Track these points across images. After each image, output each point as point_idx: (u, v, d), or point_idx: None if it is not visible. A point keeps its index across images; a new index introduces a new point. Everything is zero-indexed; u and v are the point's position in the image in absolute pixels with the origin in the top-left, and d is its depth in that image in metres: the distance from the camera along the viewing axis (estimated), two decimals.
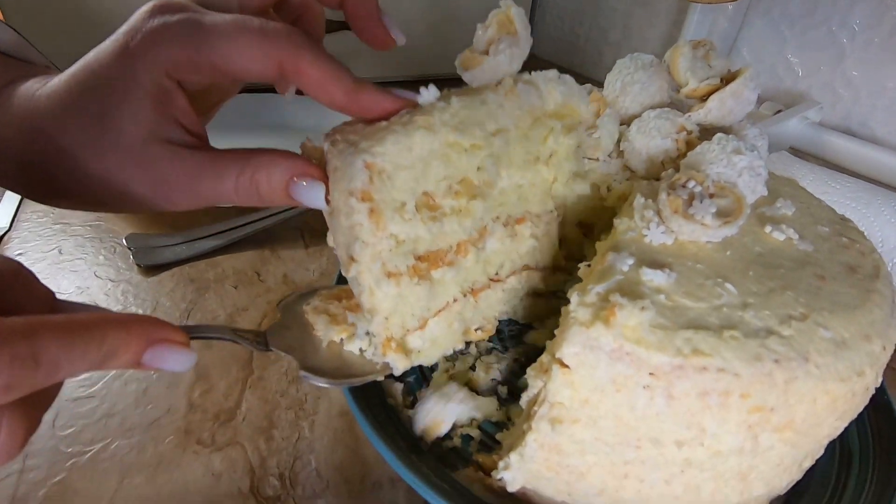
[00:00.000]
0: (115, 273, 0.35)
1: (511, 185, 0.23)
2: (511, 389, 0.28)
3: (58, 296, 0.18)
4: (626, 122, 0.26)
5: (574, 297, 0.18)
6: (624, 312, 0.17)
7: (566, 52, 0.80)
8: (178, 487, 0.23)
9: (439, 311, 0.23)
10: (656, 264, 0.19)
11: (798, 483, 0.23)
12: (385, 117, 0.20)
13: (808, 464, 0.21)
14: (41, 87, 0.19)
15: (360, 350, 0.23)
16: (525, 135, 0.22)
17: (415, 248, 0.21)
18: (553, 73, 0.22)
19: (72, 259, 0.36)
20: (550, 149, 0.23)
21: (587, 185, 0.25)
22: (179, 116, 0.19)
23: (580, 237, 0.29)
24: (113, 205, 0.20)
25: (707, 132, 0.25)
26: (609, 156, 0.26)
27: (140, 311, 0.32)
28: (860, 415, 0.25)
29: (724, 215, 0.20)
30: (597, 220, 0.28)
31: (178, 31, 0.17)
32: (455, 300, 0.23)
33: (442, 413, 0.22)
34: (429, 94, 0.20)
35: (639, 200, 0.21)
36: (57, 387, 0.16)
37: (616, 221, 0.21)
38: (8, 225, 0.39)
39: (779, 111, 0.49)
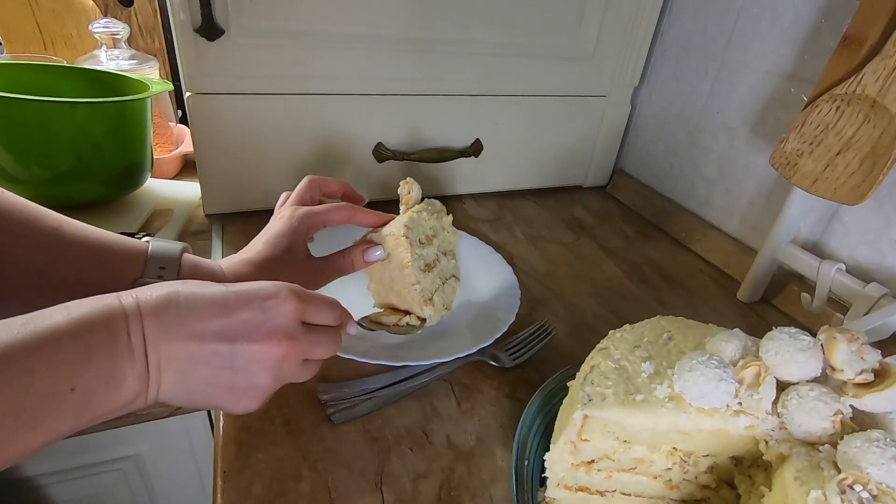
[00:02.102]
0: (309, 426, 0.43)
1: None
2: None
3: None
4: (783, 386, 0.31)
5: None
6: None
7: (656, 175, 0.86)
8: None
9: (435, 291, 0.50)
10: None
11: None
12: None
13: None
14: (235, 255, 0.43)
15: (408, 324, 0.49)
16: None
17: (423, 262, 0.48)
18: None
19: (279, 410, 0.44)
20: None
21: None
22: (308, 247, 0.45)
23: (731, 467, 0.34)
24: None
25: (859, 413, 0.30)
26: (767, 412, 0.31)
27: (340, 472, 0.39)
28: None
29: None
30: (746, 455, 0.33)
31: (308, 211, 0.45)
32: (438, 287, 0.51)
33: None
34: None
35: (812, 495, 0.26)
36: None
37: (753, 490, 0.26)
38: None
39: (885, 293, 0.53)
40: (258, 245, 0.43)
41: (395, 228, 0.46)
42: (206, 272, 0.40)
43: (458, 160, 0.79)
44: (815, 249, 0.63)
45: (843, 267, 0.57)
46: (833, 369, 0.31)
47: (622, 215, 0.87)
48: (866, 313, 0.52)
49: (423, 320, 0.48)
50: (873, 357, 0.30)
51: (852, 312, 0.53)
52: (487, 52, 0.72)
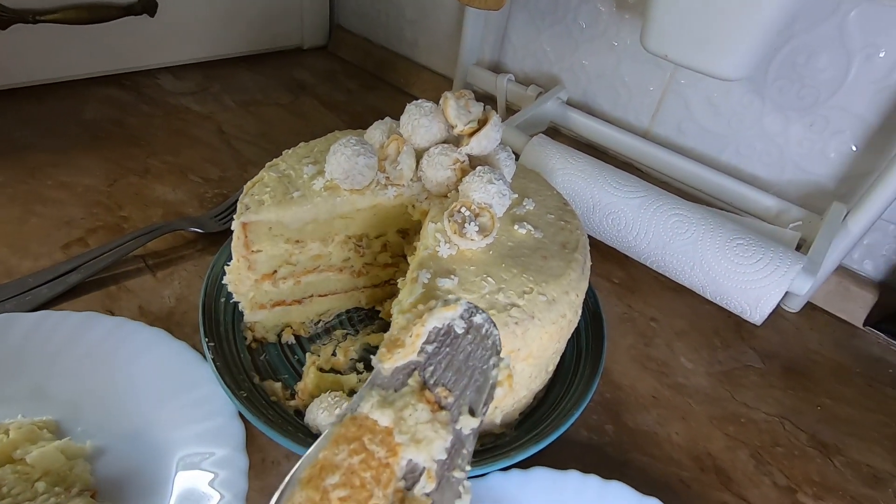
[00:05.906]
0: None
1: None
2: (366, 364, 0.37)
3: None
4: (420, 154, 0.35)
5: (395, 309, 0.27)
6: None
7: (371, 26, 0.84)
8: None
9: None
10: (446, 273, 0.29)
11: (553, 376, 0.37)
12: None
13: (551, 368, 0.35)
14: None
15: None
16: None
17: None
18: None
19: None
20: None
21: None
22: None
23: (400, 241, 0.38)
24: None
25: (475, 159, 0.35)
26: (411, 181, 0.34)
27: None
28: (587, 324, 0.40)
29: (483, 230, 0.30)
30: (409, 227, 0.37)
31: None
32: None
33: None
34: None
35: (430, 227, 0.30)
36: None
37: (418, 244, 0.30)
38: None
39: (541, 93, 0.63)
40: None
41: None
42: None
43: (127, 22, 0.64)
44: (498, 69, 0.70)
45: (513, 77, 0.65)
46: (452, 127, 0.35)
47: (345, 72, 0.85)
48: None
49: None
50: (477, 109, 0.35)
51: (521, 113, 0.62)
52: None
